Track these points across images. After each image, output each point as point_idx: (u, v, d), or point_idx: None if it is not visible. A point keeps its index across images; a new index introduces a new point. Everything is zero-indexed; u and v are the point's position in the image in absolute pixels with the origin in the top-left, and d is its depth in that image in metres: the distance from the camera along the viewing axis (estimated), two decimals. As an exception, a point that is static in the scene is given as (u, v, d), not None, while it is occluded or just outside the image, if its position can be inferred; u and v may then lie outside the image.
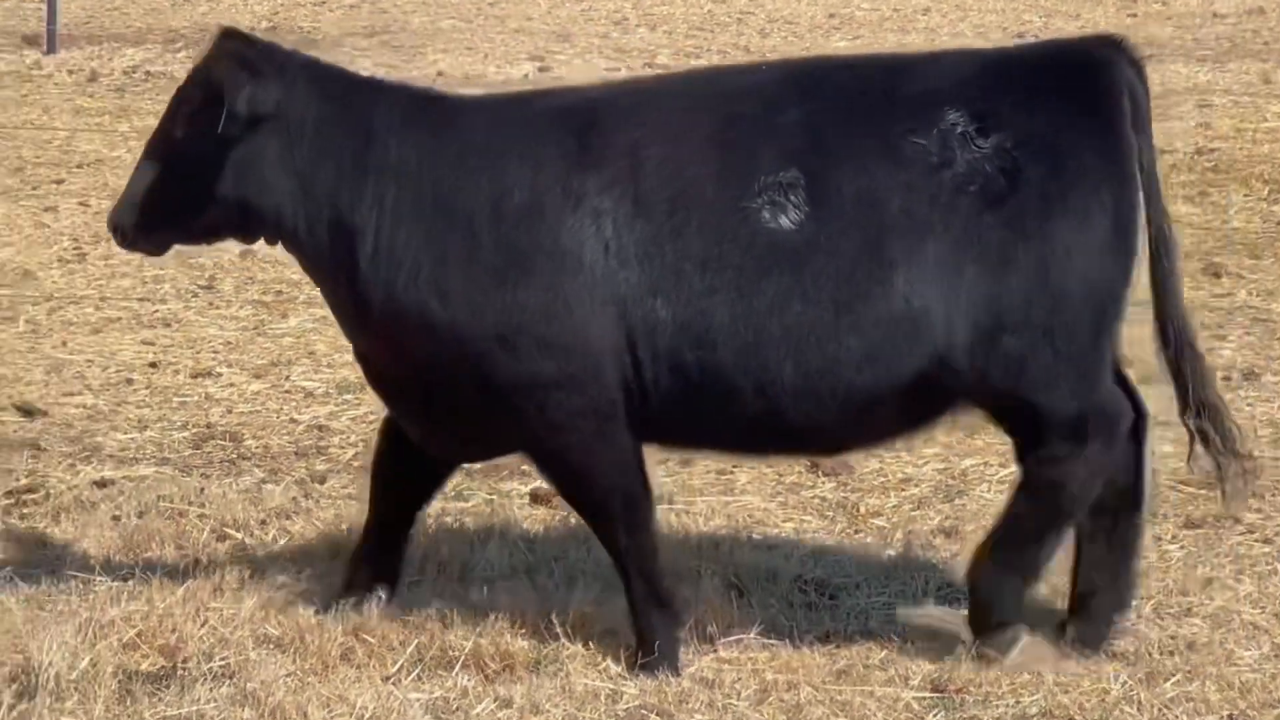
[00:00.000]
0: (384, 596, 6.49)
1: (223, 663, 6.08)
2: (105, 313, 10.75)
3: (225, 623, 6.33)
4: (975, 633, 6.26)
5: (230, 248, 11.14)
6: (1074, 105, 6.14)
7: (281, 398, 9.28)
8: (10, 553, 7.14)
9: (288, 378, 9.53)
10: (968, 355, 5.99)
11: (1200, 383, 6.28)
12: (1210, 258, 11.69)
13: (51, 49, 20.59)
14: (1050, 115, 6.10)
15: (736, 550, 7.15)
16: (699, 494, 7.87)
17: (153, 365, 9.78)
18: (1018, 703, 5.98)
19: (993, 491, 7.71)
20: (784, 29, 23.63)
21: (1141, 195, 6.15)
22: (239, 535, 7.38)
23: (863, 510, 7.69)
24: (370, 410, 8.54)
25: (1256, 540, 7.33)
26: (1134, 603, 6.48)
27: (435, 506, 7.45)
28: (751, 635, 6.37)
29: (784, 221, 6.00)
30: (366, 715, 5.81)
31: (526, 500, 7.72)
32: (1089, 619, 6.37)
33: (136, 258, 11.51)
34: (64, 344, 10.17)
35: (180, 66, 17.06)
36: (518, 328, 6.00)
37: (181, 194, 6.23)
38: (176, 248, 6.49)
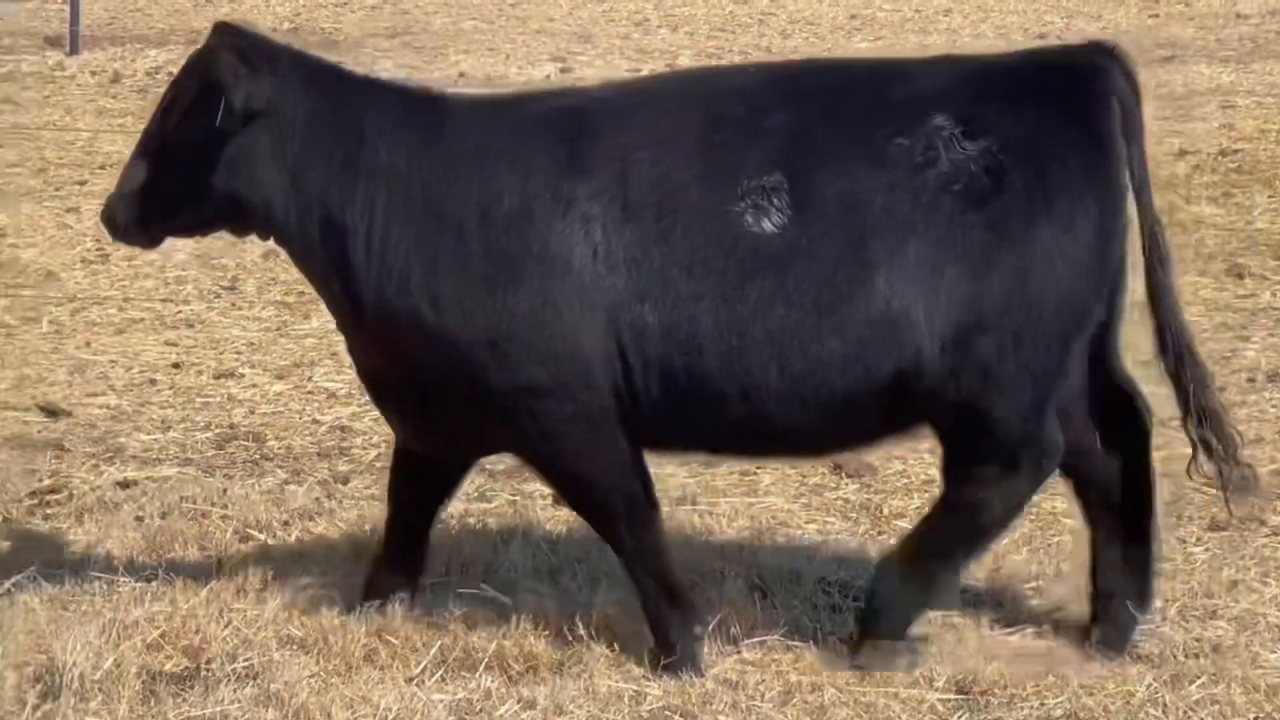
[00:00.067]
0: (407, 597, 6.49)
1: (246, 663, 6.09)
2: (128, 313, 10.77)
3: (249, 624, 6.34)
4: (861, 633, 6.24)
5: (253, 249, 11.26)
6: (1063, 112, 6.09)
7: (304, 398, 9.29)
8: (34, 553, 7.14)
9: (310, 378, 9.54)
10: (941, 356, 5.96)
11: (1201, 390, 6.25)
12: (1234, 259, 11.66)
13: (74, 50, 20.64)
14: (1039, 121, 6.06)
15: (760, 552, 7.14)
16: (722, 495, 7.86)
17: (176, 366, 9.80)
18: (1042, 705, 5.97)
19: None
20: (805, 30, 23.63)
21: (1132, 204, 6.12)
22: (262, 536, 7.38)
23: (886, 512, 7.67)
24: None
25: (1282, 542, 7.32)
26: (1155, 603, 6.46)
27: (458, 507, 7.46)
28: (775, 637, 6.36)
29: (767, 225, 5.97)
30: (390, 716, 5.81)
31: (549, 501, 7.71)
32: (1111, 622, 6.36)
33: (159, 258, 11.62)
34: (87, 344, 10.19)
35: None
36: (508, 334, 5.99)
37: (175, 187, 6.24)
38: (176, 244, 6.49)
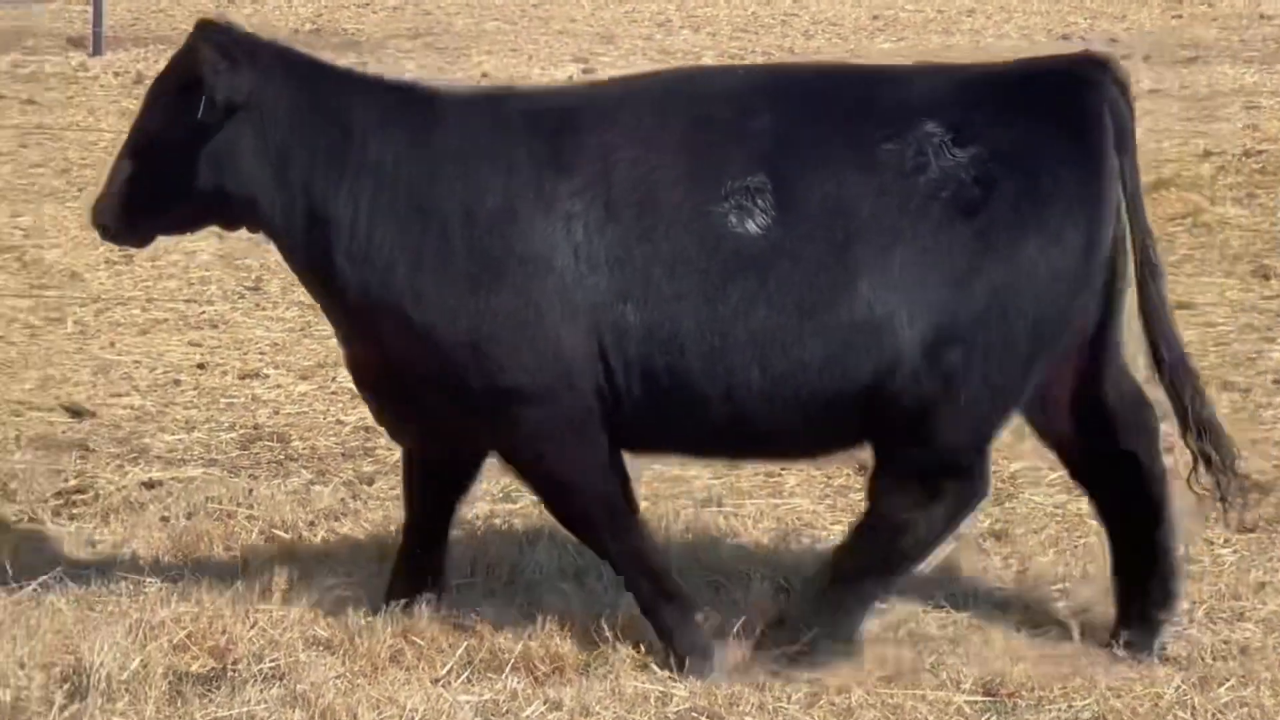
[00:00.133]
0: (431, 598, 6.48)
1: (273, 664, 6.08)
2: (152, 314, 10.78)
3: (275, 624, 6.33)
4: (771, 627, 6.19)
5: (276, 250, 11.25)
6: (1055, 123, 6.06)
7: (328, 399, 9.29)
8: (60, 554, 7.15)
9: (334, 379, 9.53)
10: (913, 362, 5.93)
11: (1198, 403, 6.22)
12: (1259, 260, 11.64)
13: (97, 51, 20.69)
14: (1029, 132, 6.02)
15: (785, 553, 7.13)
16: (747, 496, 7.85)
17: (200, 366, 9.81)
18: (1070, 707, 5.95)
19: (1042, 495, 7.67)
20: (828, 31, 23.62)
21: (1122, 217, 6.08)
22: (287, 537, 7.38)
23: (911, 513, 7.64)
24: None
25: (1310, 544, 7.29)
26: (1179, 602, 6.43)
27: (484, 508, 7.46)
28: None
29: (751, 226, 5.95)
30: (416, 717, 5.80)
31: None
32: (1136, 623, 6.34)
33: (183, 259, 11.63)
34: (111, 345, 10.20)
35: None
36: (490, 335, 5.98)
37: (161, 185, 6.24)
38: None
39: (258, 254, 11.38)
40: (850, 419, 6.05)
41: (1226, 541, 7.28)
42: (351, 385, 9.35)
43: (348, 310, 6.19)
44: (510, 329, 5.98)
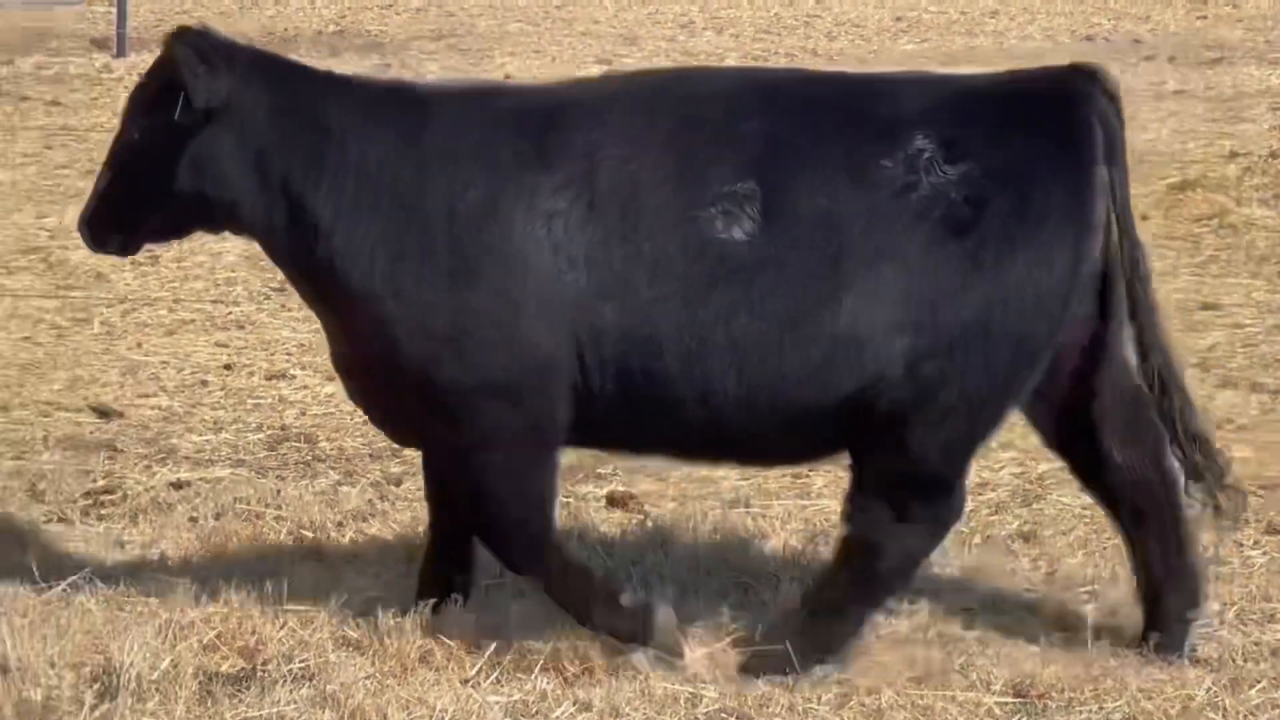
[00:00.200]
0: (460, 599, 6.48)
1: (302, 664, 6.08)
2: (179, 315, 10.80)
3: (304, 624, 6.34)
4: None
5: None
6: (1044, 136, 6.02)
7: (355, 400, 9.28)
8: (89, 554, 7.17)
9: (361, 380, 9.53)
10: (894, 378, 5.89)
11: (1188, 417, 6.21)
12: (1286, 261, 11.63)
13: (121, 52, 20.74)
14: (1020, 148, 5.98)
15: (813, 554, 7.12)
16: (775, 498, 7.85)
17: (227, 367, 9.82)
18: (1100, 709, 5.94)
19: (1070, 496, 7.66)
20: (851, 32, 23.61)
21: (1113, 230, 6.05)
22: (315, 537, 7.39)
23: (939, 515, 7.63)
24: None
25: (1339, 546, 7.28)
26: (1205, 601, 6.41)
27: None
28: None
29: (736, 232, 5.92)
30: (446, 718, 5.80)
31: (603, 503, 7.71)
32: (1164, 624, 6.32)
33: (209, 260, 11.65)
34: (139, 346, 10.22)
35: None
36: (467, 330, 5.97)
37: (145, 193, 6.24)
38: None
39: (283, 255, 11.38)
40: (828, 430, 6.02)
41: (1256, 544, 7.27)
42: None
43: (333, 305, 6.19)
44: (487, 325, 5.96)
